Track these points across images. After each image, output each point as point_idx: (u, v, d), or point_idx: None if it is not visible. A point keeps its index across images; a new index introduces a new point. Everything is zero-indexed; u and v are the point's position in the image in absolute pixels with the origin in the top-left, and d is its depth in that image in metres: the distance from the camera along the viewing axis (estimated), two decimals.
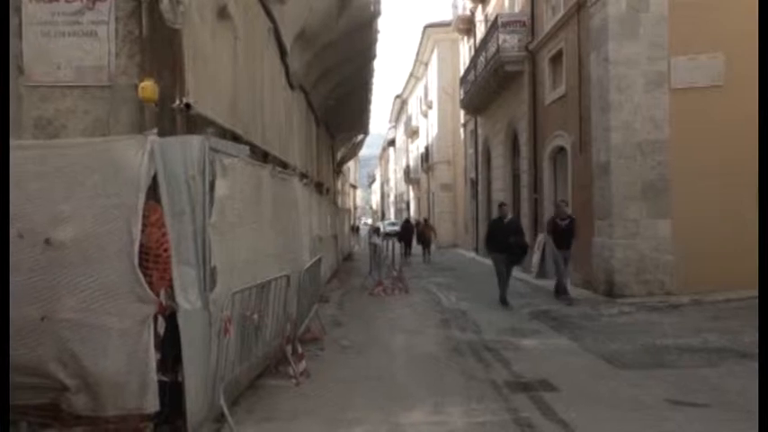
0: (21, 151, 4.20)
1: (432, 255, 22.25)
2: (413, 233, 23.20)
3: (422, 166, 37.91)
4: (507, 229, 10.22)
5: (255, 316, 4.81)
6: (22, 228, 4.09)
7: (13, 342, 3.93)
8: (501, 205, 11.09)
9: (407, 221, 25.97)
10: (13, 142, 4.24)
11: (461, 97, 23.88)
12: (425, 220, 25.89)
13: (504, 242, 10.03)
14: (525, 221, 16.49)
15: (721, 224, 9.84)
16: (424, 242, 22.14)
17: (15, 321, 3.94)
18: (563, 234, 10.27)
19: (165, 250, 4.12)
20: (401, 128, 50.93)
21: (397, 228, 26.17)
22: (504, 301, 10.23)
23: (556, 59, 14.01)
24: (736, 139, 9.34)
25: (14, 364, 3.90)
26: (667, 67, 10.33)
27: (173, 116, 4.44)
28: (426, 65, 35.63)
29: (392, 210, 62.67)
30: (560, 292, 10.46)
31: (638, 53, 10.39)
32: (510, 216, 11.02)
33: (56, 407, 4.19)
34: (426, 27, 32.43)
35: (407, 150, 47.49)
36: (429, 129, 35.76)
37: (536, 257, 13.29)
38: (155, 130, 4.22)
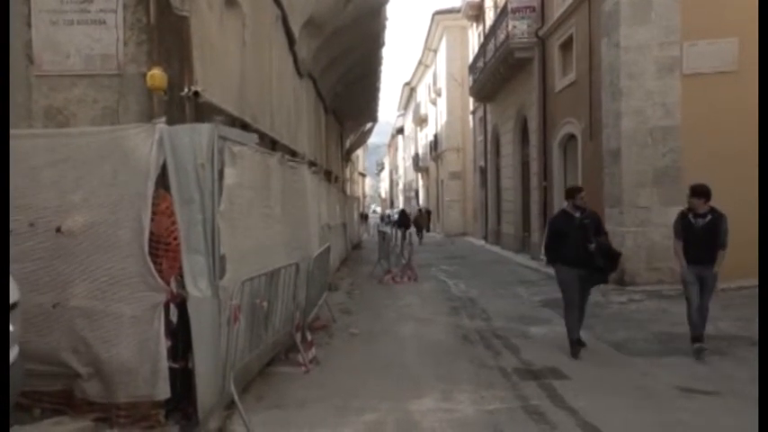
0: (31, 140, 4.23)
1: (424, 237, 27.17)
2: (410, 220, 27.02)
3: (431, 154, 37.77)
4: (583, 228, 6.22)
5: (265, 304, 4.83)
6: (33, 216, 4.13)
7: (26, 330, 3.97)
8: (572, 192, 6.56)
9: (403, 211, 30.73)
10: (23, 131, 4.27)
11: (470, 85, 23.75)
12: (421, 210, 31.43)
13: (580, 251, 6.14)
14: (534, 209, 16.42)
15: (734, 212, 9.61)
16: (418, 227, 26.99)
17: (28, 309, 3.97)
18: (701, 240, 6.17)
19: (175, 238, 4.14)
20: (410, 116, 50.66)
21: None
22: (575, 345, 6.20)
23: (566, 46, 13.87)
24: (750, 125, 9.15)
25: (27, 351, 3.94)
26: (679, 53, 10.18)
27: (181, 104, 4.43)
28: (435, 52, 35.37)
29: (401, 198, 62.58)
30: (694, 335, 6.11)
31: (650, 38, 10.25)
32: (586, 208, 6.46)
33: (68, 393, 4.25)
34: (435, 14, 32.16)
35: (416, 138, 47.28)
36: (438, 116, 35.57)
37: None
38: (163, 119, 4.22)
